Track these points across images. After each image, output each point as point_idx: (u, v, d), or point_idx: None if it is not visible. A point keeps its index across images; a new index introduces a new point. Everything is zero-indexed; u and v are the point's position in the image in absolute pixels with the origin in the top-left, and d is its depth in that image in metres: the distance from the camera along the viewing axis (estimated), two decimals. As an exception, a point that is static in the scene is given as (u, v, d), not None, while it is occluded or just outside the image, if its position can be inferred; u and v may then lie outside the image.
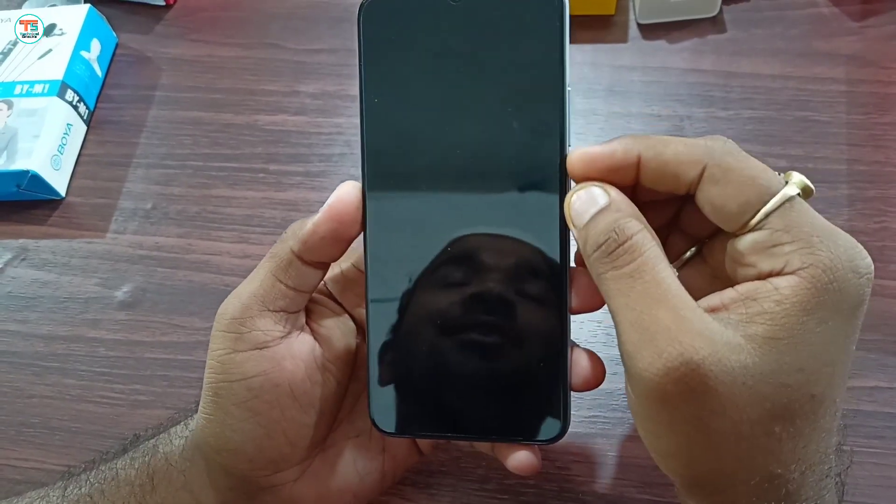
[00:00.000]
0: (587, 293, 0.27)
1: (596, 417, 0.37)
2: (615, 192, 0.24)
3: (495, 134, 0.26)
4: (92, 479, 0.30)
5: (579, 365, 0.27)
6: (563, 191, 0.26)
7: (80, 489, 0.30)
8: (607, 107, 0.47)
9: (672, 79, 0.48)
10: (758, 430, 0.22)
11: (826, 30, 0.48)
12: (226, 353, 0.27)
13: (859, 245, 0.23)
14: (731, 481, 0.23)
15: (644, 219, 0.24)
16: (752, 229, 0.23)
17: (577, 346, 0.28)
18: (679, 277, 0.24)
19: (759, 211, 0.23)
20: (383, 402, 0.28)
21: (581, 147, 0.25)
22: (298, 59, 0.52)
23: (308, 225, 0.27)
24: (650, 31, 0.50)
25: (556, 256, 0.26)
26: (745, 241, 0.23)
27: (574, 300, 0.27)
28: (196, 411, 0.29)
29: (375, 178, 0.27)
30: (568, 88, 0.26)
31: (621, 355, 0.24)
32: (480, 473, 0.36)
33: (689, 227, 0.28)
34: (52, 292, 0.44)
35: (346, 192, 0.27)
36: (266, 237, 0.45)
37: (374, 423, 0.28)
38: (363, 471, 0.30)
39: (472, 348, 0.27)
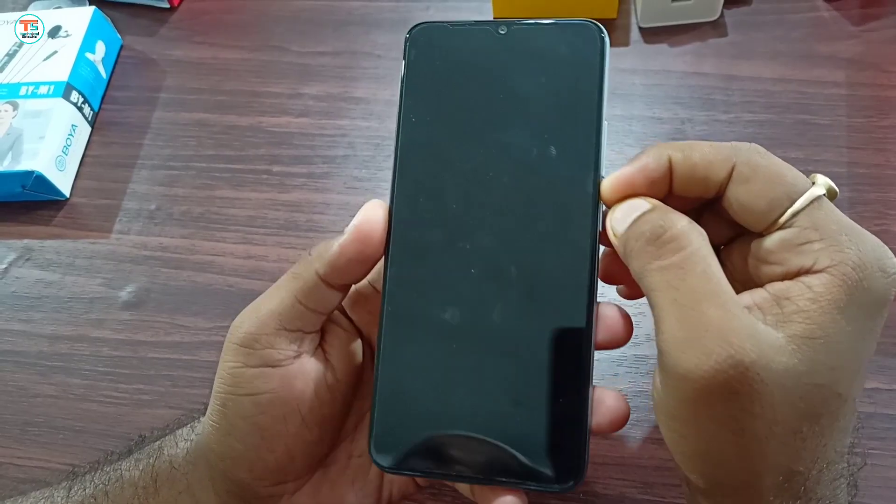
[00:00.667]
0: (615, 327, 0.26)
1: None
2: (656, 201, 0.24)
3: (529, 163, 0.26)
4: (97, 480, 0.30)
5: (605, 405, 0.25)
6: (594, 222, 0.25)
7: (84, 490, 0.30)
8: (609, 110, 0.46)
9: (673, 82, 0.48)
10: (787, 430, 0.22)
11: (826, 33, 0.48)
12: (237, 366, 0.27)
13: (885, 246, 0.23)
14: (755, 481, 0.23)
15: (683, 215, 0.24)
16: (780, 227, 0.23)
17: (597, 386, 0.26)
18: (723, 252, 0.25)
19: (787, 209, 0.23)
20: (385, 436, 0.26)
21: (612, 173, 0.25)
22: (302, 62, 0.52)
23: (334, 247, 0.26)
24: (651, 34, 0.50)
25: (585, 290, 0.25)
26: (773, 239, 0.23)
27: (601, 334, 0.26)
28: (203, 413, 0.30)
29: (404, 198, 0.27)
30: (605, 121, 0.26)
31: (660, 353, 0.23)
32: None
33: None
34: (57, 292, 0.45)
35: (373, 212, 0.26)
36: (269, 238, 0.45)
37: (372, 457, 0.26)
38: (361, 492, 0.29)
39: (487, 387, 0.26)
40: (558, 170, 0.26)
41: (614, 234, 0.25)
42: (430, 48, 0.27)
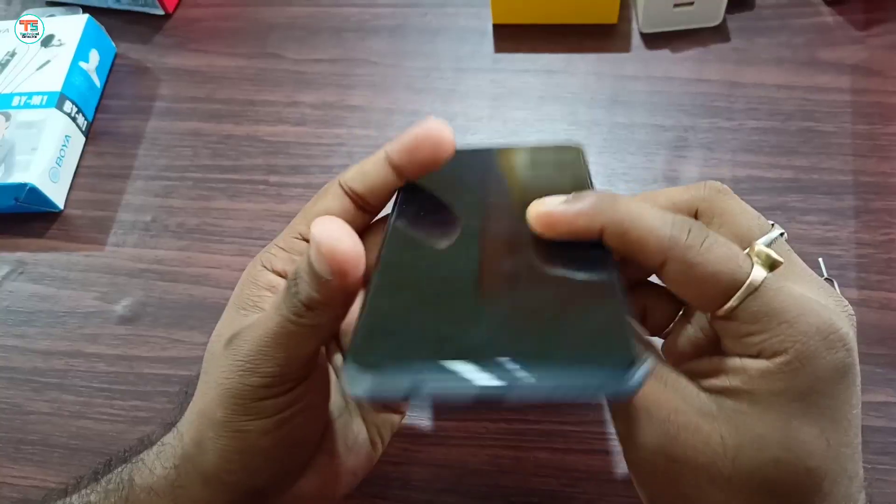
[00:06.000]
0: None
1: (602, 434, 0.36)
2: None
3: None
4: None
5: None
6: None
7: None
8: (610, 117, 0.47)
9: (675, 89, 0.47)
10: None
11: (830, 39, 0.48)
12: (260, 397, 0.24)
13: (836, 318, 0.22)
14: None
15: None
16: (723, 318, 0.23)
17: None
18: (669, 335, 0.26)
19: (723, 306, 0.22)
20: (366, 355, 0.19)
21: (544, 201, 0.23)
22: (299, 69, 0.52)
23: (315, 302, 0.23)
24: (653, 40, 0.49)
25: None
26: (717, 328, 0.24)
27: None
28: (169, 426, 0.29)
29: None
30: None
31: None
32: (483, 491, 0.36)
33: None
34: (51, 307, 0.44)
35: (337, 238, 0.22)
36: (267, 250, 0.44)
37: (347, 388, 0.19)
38: (354, 446, 0.30)
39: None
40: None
41: None
42: (420, 192, 0.27)
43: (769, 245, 0.24)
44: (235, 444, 0.26)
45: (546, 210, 0.23)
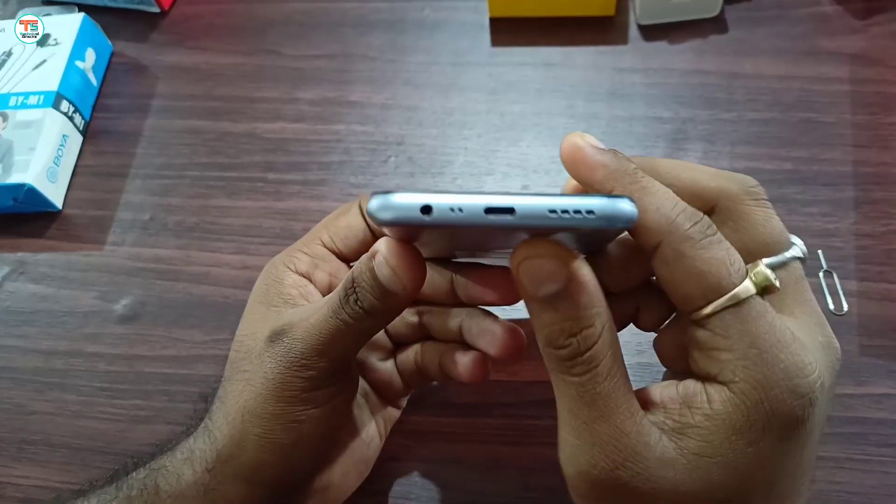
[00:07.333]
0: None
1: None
2: (582, 273, 0.22)
3: None
4: None
5: (495, 334, 0.29)
6: None
7: None
8: (609, 110, 0.46)
9: (674, 80, 0.47)
10: None
11: (829, 28, 0.47)
12: (315, 392, 0.27)
13: (808, 363, 0.21)
14: None
15: (604, 303, 0.22)
16: (697, 323, 0.22)
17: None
18: (656, 339, 0.26)
19: (700, 309, 0.21)
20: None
21: (580, 134, 0.23)
22: (296, 66, 0.51)
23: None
24: (651, 32, 0.49)
25: None
26: (690, 334, 0.23)
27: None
28: (190, 430, 0.29)
29: None
30: None
31: (559, 453, 0.23)
32: (484, 487, 0.36)
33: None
34: (51, 306, 0.44)
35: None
36: (265, 248, 0.44)
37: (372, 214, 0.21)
38: (367, 438, 0.32)
39: None
40: None
41: (525, 289, 0.22)
42: None
43: (780, 266, 0.23)
44: (286, 436, 0.27)
45: (578, 143, 0.23)
